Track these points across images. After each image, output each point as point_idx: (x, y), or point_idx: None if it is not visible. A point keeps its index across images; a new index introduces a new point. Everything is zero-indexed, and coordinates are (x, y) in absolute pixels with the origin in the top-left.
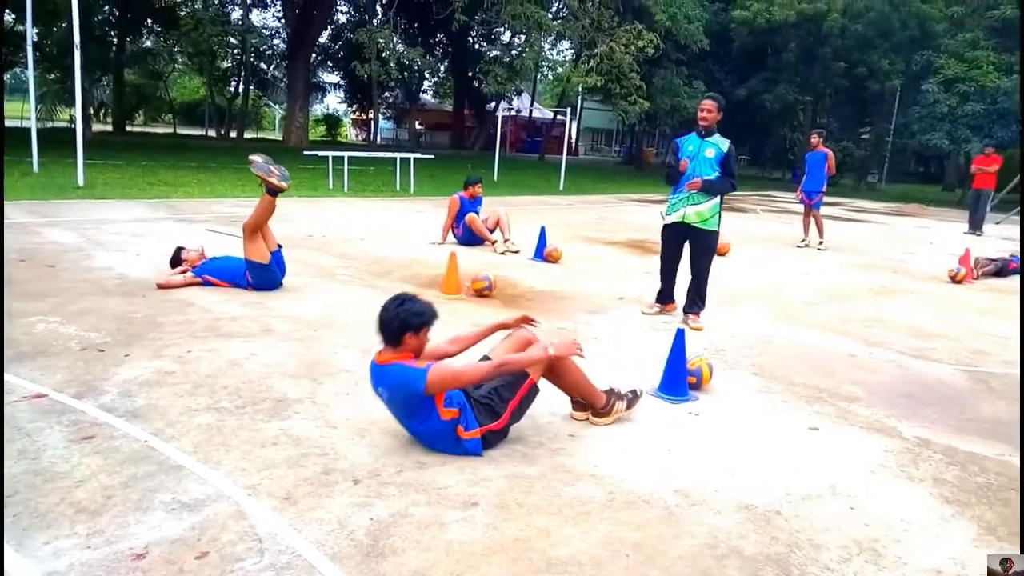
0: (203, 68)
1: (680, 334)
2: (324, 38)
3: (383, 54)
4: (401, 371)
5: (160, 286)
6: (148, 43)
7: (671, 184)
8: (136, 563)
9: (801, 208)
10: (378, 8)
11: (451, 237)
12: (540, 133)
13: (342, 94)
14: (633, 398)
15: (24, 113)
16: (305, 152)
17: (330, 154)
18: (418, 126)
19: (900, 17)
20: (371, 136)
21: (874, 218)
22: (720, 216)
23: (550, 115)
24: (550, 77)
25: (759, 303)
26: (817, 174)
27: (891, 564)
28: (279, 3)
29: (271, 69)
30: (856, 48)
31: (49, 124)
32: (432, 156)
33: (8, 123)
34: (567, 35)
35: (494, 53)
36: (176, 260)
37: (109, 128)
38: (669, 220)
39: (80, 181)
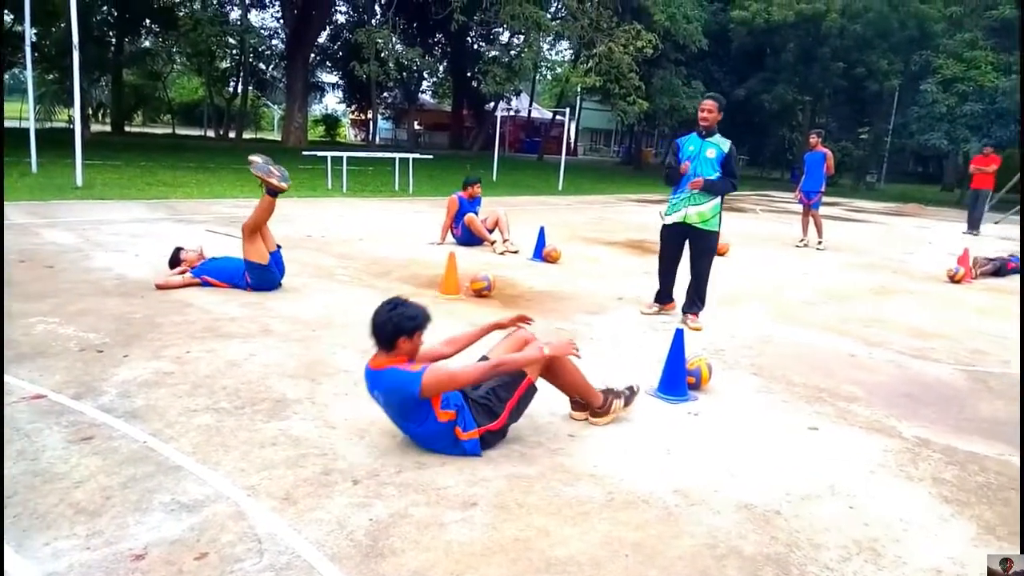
0: (202, 68)
1: (679, 334)
2: (323, 38)
3: (382, 54)
4: (396, 375)
5: (159, 287)
6: (147, 43)
7: (671, 185)
8: (135, 564)
9: (800, 208)
10: (377, 8)
11: (450, 237)
12: (539, 133)
13: (341, 94)
14: (631, 394)
15: (23, 113)
16: (304, 152)
17: (329, 154)
18: (417, 126)
19: (899, 17)
20: (370, 136)
21: (873, 218)
22: (721, 216)
23: (549, 115)
24: (549, 77)
25: (758, 303)
26: (816, 174)
27: (891, 564)
28: (278, 3)
29: (270, 69)
30: (855, 48)
31: (48, 124)
32: (431, 156)
33: (7, 123)
34: (566, 35)
35: (493, 53)
36: (175, 261)
37: (108, 128)
38: (670, 220)
39: (79, 182)
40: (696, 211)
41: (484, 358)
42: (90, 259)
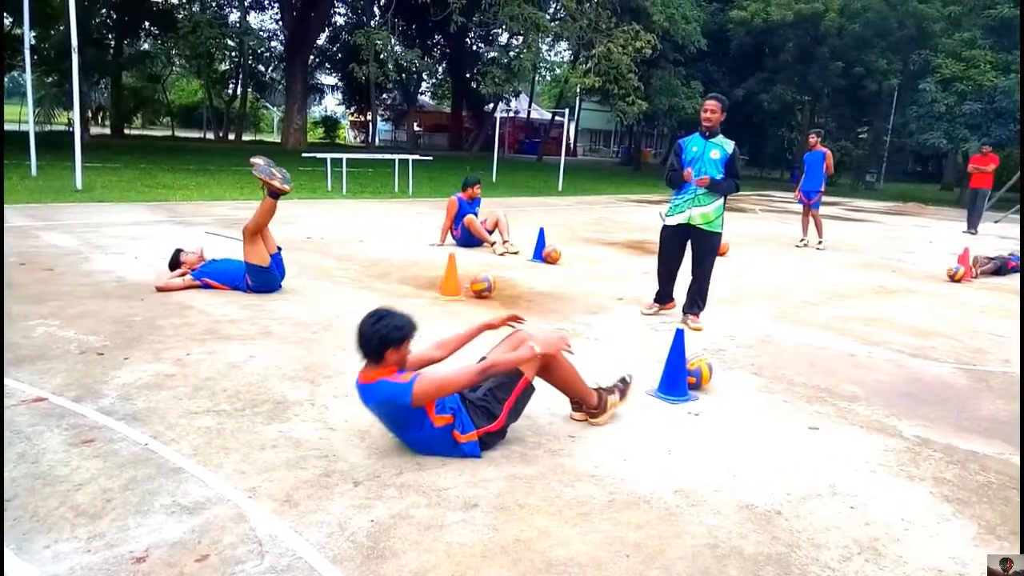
0: (201, 71)
1: (679, 334)
2: (322, 40)
3: (381, 56)
4: (386, 388)
5: (159, 289)
6: (146, 46)
7: (673, 186)
8: (136, 566)
9: (800, 208)
10: (376, 10)
11: (450, 238)
12: (538, 134)
13: (340, 96)
14: (624, 387)
15: (22, 116)
16: (304, 154)
17: (328, 156)
18: (416, 128)
19: (897, 17)
20: (369, 138)
21: (873, 217)
22: (723, 217)
23: (548, 116)
24: (548, 78)
25: (759, 303)
26: (815, 174)
27: (891, 563)
28: (277, 5)
29: (269, 71)
30: (854, 48)
31: (47, 127)
32: (430, 157)
33: (6, 126)
34: (565, 36)
35: (492, 54)
36: (175, 263)
37: (107, 131)
38: (673, 222)
39: (78, 184)
40: (700, 212)
41: (484, 359)
42: (90, 262)
